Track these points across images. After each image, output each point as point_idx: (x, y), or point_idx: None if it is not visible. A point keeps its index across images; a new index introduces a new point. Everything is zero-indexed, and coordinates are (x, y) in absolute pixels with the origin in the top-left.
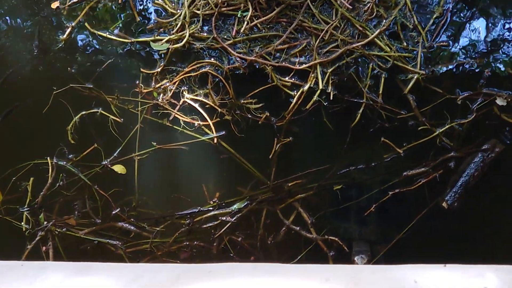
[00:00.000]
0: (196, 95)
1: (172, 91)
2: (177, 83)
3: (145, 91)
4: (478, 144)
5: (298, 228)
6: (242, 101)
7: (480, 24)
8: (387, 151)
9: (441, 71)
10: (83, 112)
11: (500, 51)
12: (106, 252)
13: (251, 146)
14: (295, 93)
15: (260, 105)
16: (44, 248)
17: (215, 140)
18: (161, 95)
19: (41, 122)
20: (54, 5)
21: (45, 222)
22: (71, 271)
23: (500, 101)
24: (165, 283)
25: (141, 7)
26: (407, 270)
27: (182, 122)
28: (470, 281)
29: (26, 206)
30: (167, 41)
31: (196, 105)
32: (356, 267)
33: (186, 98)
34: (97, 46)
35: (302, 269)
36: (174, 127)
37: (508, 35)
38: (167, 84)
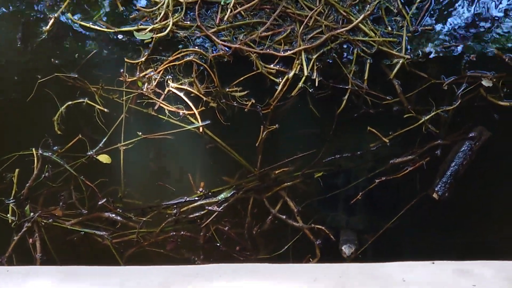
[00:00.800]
0: (181, 84)
1: (157, 80)
2: (161, 72)
3: (129, 80)
4: (465, 130)
5: (284, 217)
6: (227, 89)
7: (465, 6)
8: (374, 138)
9: (426, 56)
10: (69, 102)
11: (486, 32)
12: (92, 243)
13: (237, 134)
14: (280, 80)
15: (245, 92)
16: (30, 240)
17: (201, 129)
18: (146, 84)
19: (26, 113)
20: None
21: (31, 214)
22: (57, 276)
23: (486, 82)
24: (153, 286)
25: None
26: (395, 268)
27: (167, 112)
28: (459, 278)
29: (11, 198)
30: (150, 31)
31: (181, 94)
32: (344, 266)
33: (171, 87)
34: (81, 37)
35: (290, 269)
36: (159, 116)
37: (496, 15)
38: (152, 73)
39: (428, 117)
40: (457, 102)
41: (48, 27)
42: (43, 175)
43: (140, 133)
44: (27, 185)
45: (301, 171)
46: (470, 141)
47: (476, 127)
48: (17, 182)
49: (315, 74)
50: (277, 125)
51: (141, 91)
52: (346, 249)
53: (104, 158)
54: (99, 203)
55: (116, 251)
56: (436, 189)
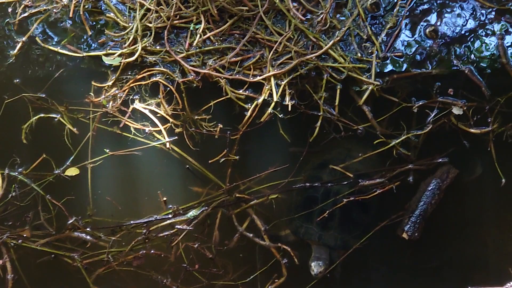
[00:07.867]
0: (148, 104)
1: (122, 98)
2: (127, 90)
3: (95, 100)
4: (435, 158)
5: (251, 235)
6: (195, 117)
7: (434, 32)
8: (345, 157)
9: (395, 82)
10: (41, 115)
11: (457, 54)
12: (63, 264)
13: (206, 154)
14: (249, 106)
15: (214, 122)
16: (0, 261)
17: (168, 145)
18: (111, 102)
19: None
20: None
21: None
22: None
23: (456, 110)
24: None
25: (92, 21)
26: None
27: (132, 129)
28: None
29: None
30: (119, 55)
31: (146, 111)
32: None
33: (136, 105)
34: (48, 60)
35: None
36: (125, 134)
37: (467, 39)
38: (117, 91)
39: (398, 141)
40: (428, 127)
41: (15, 51)
42: (10, 195)
43: (108, 151)
44: None
45: (275, 188)
46: (438, 179)
47: (443, 166)
48: None
49: (287, 99)
50: (238, 157)
51: (106, 110)
52: (315, 267)
53: (72, 171)
54: (68, 222)
55: (86, 271)
56: (405, 229)
